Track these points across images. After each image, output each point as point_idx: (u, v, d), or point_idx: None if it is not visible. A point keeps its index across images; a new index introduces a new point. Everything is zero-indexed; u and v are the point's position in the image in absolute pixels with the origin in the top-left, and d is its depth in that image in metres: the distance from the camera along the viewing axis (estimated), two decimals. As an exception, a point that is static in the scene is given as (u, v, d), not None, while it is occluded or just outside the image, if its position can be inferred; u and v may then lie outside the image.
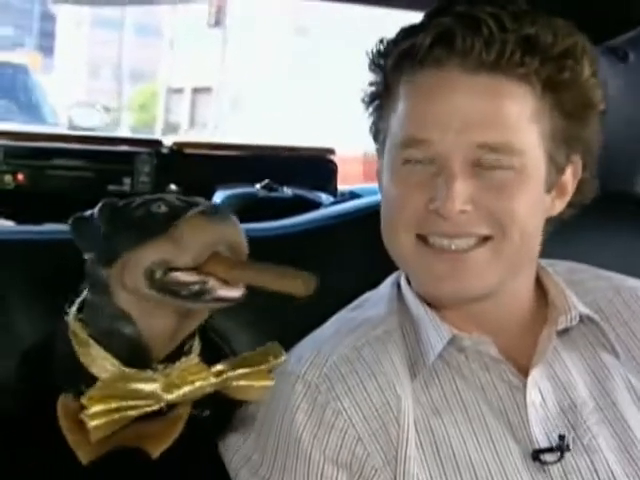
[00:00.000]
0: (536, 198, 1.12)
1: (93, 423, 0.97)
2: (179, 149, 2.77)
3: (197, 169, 2.73)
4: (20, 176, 2.45)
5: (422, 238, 1.12)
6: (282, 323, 1.27)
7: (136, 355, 1.00)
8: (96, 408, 0.97)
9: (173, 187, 2.67)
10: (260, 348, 1.06)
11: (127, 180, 2.60)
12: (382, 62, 1.15)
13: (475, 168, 1.09)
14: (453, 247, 1.10)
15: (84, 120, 3.87)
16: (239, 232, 0.98)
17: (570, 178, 1.16)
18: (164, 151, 2.74)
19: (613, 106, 1.22)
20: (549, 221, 1.19)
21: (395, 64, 1.13)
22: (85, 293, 1.05)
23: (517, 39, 1.07)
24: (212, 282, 0.96)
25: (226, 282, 0.97)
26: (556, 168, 1.13)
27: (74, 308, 1.05)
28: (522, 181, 1.09)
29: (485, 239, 1.10)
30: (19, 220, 2.15)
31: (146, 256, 0.97)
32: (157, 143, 2.77)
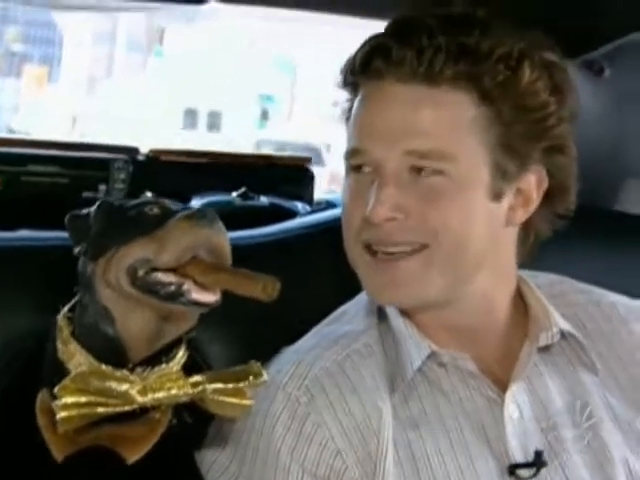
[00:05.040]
0: (476, 206, 1.11)
1: (62, 414, 0.98)
2: (155, 156, 2.76)
3: (174, 177, 2.72)
4: (-5, 182, 2.44)
5: (369, 249, 1.13)
6: (256, 335, 1.27)
7: (113, 354, 1.01)
8: (66, 399, 0.98)
9: (149, 194, 2.66)
10: (241, 366, 1.06)
11: (102, 187, 2.59)
12: (346, 77, 1.18)
13: (409, 176, 1.10)
14: (394, 255, 1.11)
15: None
16: (223, 238, 1.00)
17: (534, 187, 1.15)
18: (140, 158, 2.73)
19: (588, 120, 1.22)
20: (529, 231, 1.19)
21: (352, 80, 1.17)
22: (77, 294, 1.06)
23: (449, 48, 1.08)
24: (188, 285, 0.98)
25: (203, 286, 0.98)
26: (503, 176, 1.12)
27: (66, 308, 1.06)
28: (456, 188, 1.10)
29: (421, 247, 1.11)
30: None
31: (130, 254, 0.99)
32: (133, 150, 2.75)
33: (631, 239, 1.62)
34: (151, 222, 1.00)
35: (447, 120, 1.10)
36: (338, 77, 1.19)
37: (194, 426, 1.09)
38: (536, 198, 1.17)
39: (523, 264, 1.23)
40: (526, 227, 1.19)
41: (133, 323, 1.02)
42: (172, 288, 0.98)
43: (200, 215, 1.00)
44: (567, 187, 1.19)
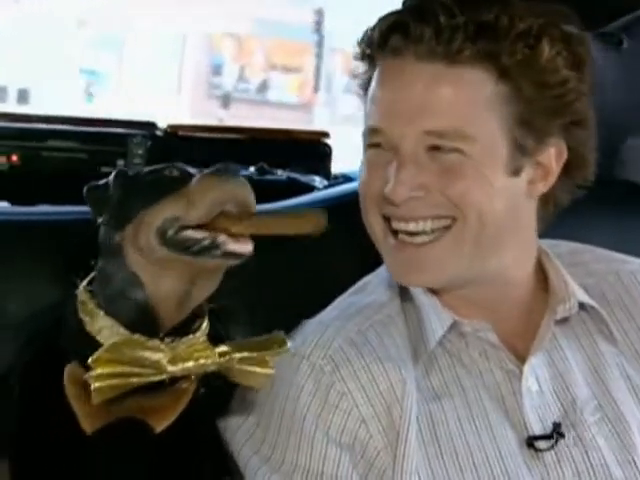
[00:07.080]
0: (495, 182, 1.12)
1: (96, 385, 0.99)
2: (173, 131, 2.76)
3: (191, 152, 2.72)
4: (14, 157, 2.44)
5: (387, 220, 1.14)
6: (278, 306, 1.28)
7: (144, 322, 1.03)
8: (101, 370, 0.99)
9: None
10: (265, 335, 1.08)
11: (120, 162, 2.59)
12: (364, 51, 1.19)
13: (427, 154, 1.11)
14: (415, 239, 1.12)
15: None
16: (248, 191, 1.02)
17: (553, 160, 1.17)
18: (158, 133, 2.73)
19: (607, 91, 1.22)
20: (549, 202, 1.19)
21: (369, 53, 1.17)
22: (97, 266, 1.07)
23: (468, 26, 1.09)
24: (222, 237, 0.99)
25: (236, 238, 1.00)
26: (522, 152, 1.13)
27: (85, 281, 1.08)
28: (474, 165, 1.11)
29: (451, 223, 1.11)
30: (13, 201, 2.14)
31: (158, 214, 1.00)
32: (152, 125, 2.76)
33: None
34: (175, 181, 1.02)
35: (465, 98, 1.10)
36: (355, 49, 1.20)
37: (217, 395, 1.11)
38: (555, 171, 1.17)
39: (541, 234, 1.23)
40: (546, 199, 1.19)
41: (162, 286, 1.03)
42: (206, 242, 0.99)
43: (224, 169, 1.01)
44: (586, 159, 1.20)
